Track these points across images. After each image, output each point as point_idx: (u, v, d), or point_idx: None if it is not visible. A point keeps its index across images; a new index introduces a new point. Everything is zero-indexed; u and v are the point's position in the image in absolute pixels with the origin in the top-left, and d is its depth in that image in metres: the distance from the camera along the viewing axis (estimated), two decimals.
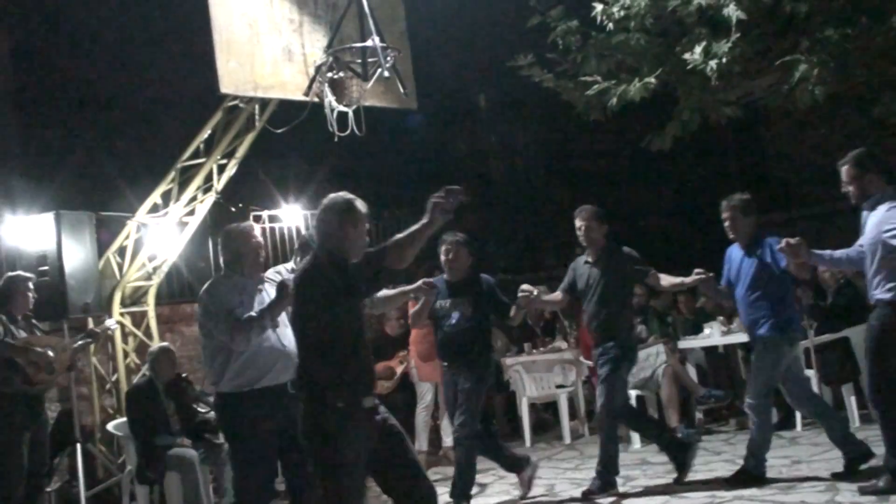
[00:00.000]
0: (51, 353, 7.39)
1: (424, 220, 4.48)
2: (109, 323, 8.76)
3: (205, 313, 5.63)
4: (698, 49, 8.63)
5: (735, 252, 6.95)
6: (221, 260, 5.79)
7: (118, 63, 14.36)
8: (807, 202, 17.26)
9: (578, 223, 7.29)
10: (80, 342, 8.03)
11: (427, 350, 9.56)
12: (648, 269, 7.25)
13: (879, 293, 5.85)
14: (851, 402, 8.49)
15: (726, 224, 6.92)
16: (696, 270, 6.93)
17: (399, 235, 4.48)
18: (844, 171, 6.12)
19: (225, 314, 5.41)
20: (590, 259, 7.31)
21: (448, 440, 9.62)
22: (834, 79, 8.42)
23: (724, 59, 8.49)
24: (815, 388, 8.59)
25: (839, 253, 6.27)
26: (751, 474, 6.67)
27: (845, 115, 15.50)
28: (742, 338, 9.28)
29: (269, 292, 5.63)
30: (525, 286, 6.87)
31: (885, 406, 5.95)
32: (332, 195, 4.77)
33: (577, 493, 7.14)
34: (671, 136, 9.88)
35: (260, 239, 5.84)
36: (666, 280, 7.28)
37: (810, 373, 8.58)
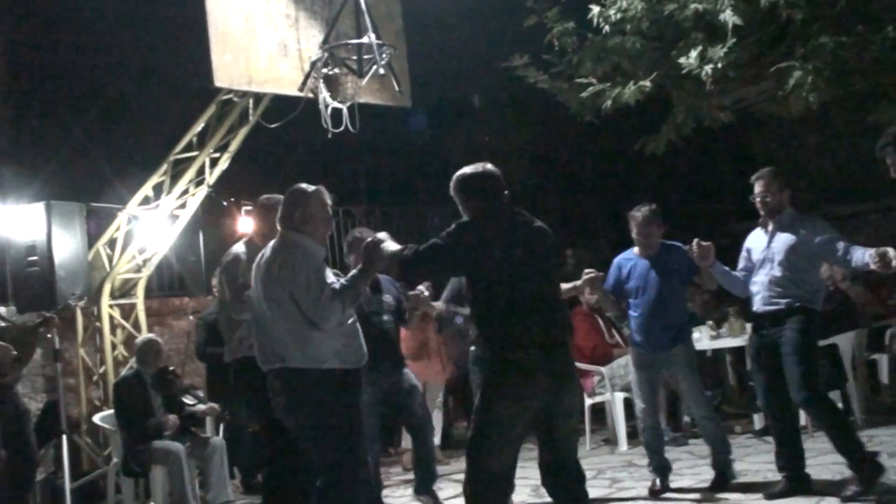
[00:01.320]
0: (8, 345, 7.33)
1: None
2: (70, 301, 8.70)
3: (289, 280, 4.76)
4: (694, 53, 8.63)
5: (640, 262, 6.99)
6: (283, 219, 4.99)
7: (111, 53, 14.31)
8: (797, 207, 17.32)
9: None
10: (36, 326, 7.96)
11: (417, 348, 9.55)
12: None
13: None
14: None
15: (638, 237, 7.00)
16: (587, 270, 6.87)
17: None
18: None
19: (318, 283, 4.72)
20: None
21: (435, 439, 9.61)
22: (828, 86, 8.42)
23: (719, 64, 8.49)
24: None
25: (733, 275, 6.51)
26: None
27: (838, 123, 15.56)
28: (731, 342, 9.32)
29: None
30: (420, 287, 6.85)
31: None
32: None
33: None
34: (665, 139, 9.89)
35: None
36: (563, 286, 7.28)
37: None
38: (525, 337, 4.38)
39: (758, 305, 6.35)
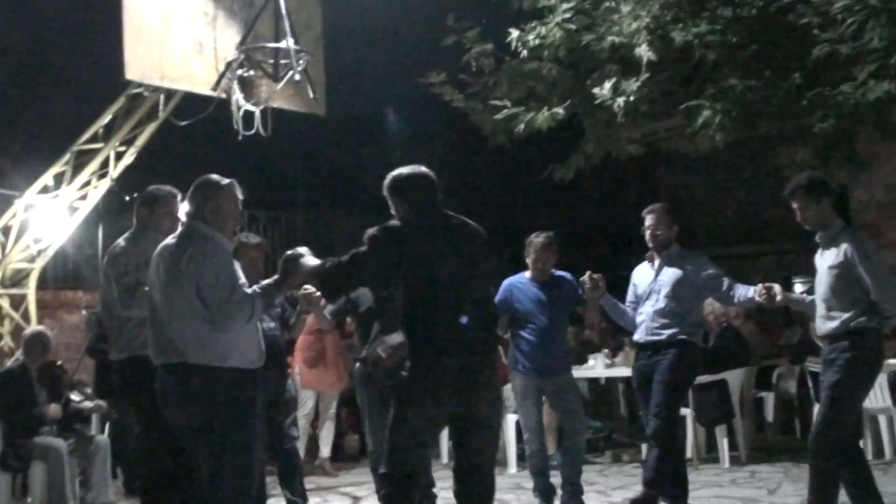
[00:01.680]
0: None
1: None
2: None
3: (198, 276, 4.49)
4: (608, 85, 8.76)
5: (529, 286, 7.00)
6: (193, 210, 4.73)
7: (17, 36, 13.91)
8: (693, 244, 17.70)
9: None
10: None
11: (314, 357, 9.48)
12: None
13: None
14: (724, 443, 8.67)
15: (536, 264, 6.97)
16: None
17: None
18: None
19: (230, 281, 4.49)
20: None
21: (325, 450, 9.55)
22: (735, 127, 8.61)
23: (631, 98, 8.63)
24: (690, 428, 8.79)
25: (621, 307, 6.67)
26: None
27: (741, 164, 15.94)
28: (625, 372, 9.44)
29: None
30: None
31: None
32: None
33: None
34: (574, 166, 10.00)
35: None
36: None
37: (686, 412, 8.76)
38: (443, 343, 4.38)
39: (640, 335, 6.49)
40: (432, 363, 4.39)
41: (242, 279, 4.57)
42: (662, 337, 6.31)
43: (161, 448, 5.45)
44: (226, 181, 4.78)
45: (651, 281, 6.47)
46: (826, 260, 5.46)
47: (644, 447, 9.01)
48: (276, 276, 4.66)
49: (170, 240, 4.73)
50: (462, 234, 4.60)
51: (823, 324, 5.47)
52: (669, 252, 6.46)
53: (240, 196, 4.82)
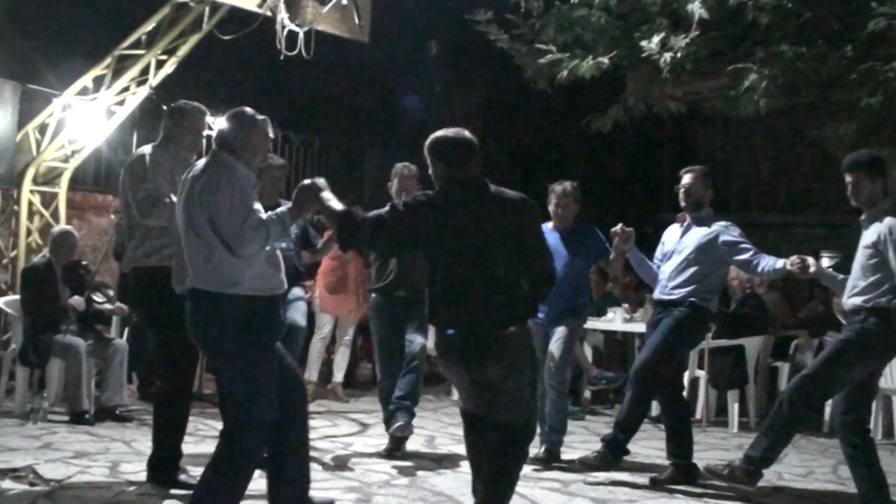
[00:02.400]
0: None
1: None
2: None
3: (211, 201, 4.50)
4: (656, 39, 8.66)
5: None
6: (221, 139, 4.70)
7: None
8: (727, 208, 17.61)
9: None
10: None
11: (335, 283, 9.54)
12: None
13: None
14: (734, 408, 8.70)
15: (557, 210, 6.99)
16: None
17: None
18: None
19: (244, 209, 4.47)
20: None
21: (339, 375, 9.64)
22: (780, 94, 8.52)
23: (678, 54, 8.54)
24: (702, 390, 8.82)
25: (647, 263, 6.71)
26: None
27: (782, 132, 15.79)
28: (642, 328, 9.46)
29: None
30: None
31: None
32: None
33: (457, 448, 7.19)
34: (612, 119, 9.93)
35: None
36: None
37: (700, 374, 8.79)
38: (447, 318, 4.45)
39: (656, 293, 6.57)
40: (439, 334, 4.50)
41: (258, 207, 4.56)
42: (674, 296, 6.38)
43: (171, 362, 5.51)
44: (260, 116, 4.76)
45: (676, 241, 6.51)
46: (864, 238, 5.45)
47: (654, 404, 9.10)
48: (290, 204, 4.65)
49: (196, 165, 4.75)
50: (496, 208, 4.45)
51: (849, 299, 5.49)
52: (699, 214, 6.47)
53: (271, 133, 4.82)
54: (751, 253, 6.24)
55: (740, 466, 5.86)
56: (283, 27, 8.98)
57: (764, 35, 8.96)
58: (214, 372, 4.85)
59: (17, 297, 8.20)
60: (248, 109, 4.78)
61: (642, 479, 6.47)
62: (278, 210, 4.63)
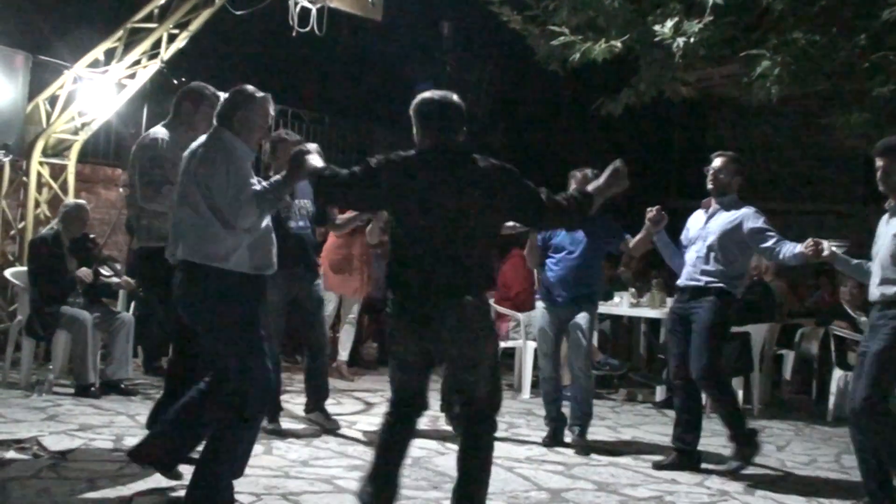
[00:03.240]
0: None
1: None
2: None
3: (207, 176, 4.55)
4: (669, 23, 8.61)
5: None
6: (221, 116, 4.74)
7: None
8: (738, 195, 17.51)
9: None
10: None
11: (340, 261, 9.53)
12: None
13: None
14: (738, 396, 8.67)
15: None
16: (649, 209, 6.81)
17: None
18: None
19: (239, 183, 4.52)
20: None
21: (344, 354, 9.66)
22: (792, 81, 8.48)
23: (692, 39, 8.48)
24: None
25: (673, 247, 6.71)
26: None
27: (793, 120, 15.73)
28: (649, 313, 9.49)
29: None
30: None
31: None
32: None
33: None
34: (623, 103, 9.89)
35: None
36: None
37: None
38: (406, 287, 4.35)
39: (682, 279, 6.52)
40: (396, 304, 4.38)
41: (253, 181, 4.60)
42: (701, 283, 6.34)
43: (180, 339, 5.52)
44: (260, 94, 4.79)
45: (701, 227, 6.49)
46: (892, 227, 5.40)
47: (659, 389, 9.14)
48: (283, 173, 4.66)
49: (196, 142, 4.79)
50: (475, 177, 4.30)
51: (877, 289, 5.38)
52: (725, 200, 6.45)
53: (271, 111, 4.84)
54: (774, 240, 6.21)
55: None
56: (296, 3, 8.97)
57: (777, 22, 8.92)
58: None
59: (24, 268, 8.22)
60: (249, 87, 4.81)
61: (644, 463, 6.49)
62: (271, 180, 4.68)
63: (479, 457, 4.50)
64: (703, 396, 6.66)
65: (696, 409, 6.54)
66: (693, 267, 6.41)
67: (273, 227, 4.83)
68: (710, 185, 6.50)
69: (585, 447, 6.78)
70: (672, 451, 6.49)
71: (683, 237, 6.69)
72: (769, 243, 6.22)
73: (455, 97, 4.50)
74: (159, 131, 5.64)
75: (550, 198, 4.38)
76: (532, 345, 9.07)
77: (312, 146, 4.67)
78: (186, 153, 4.76)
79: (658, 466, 6.37)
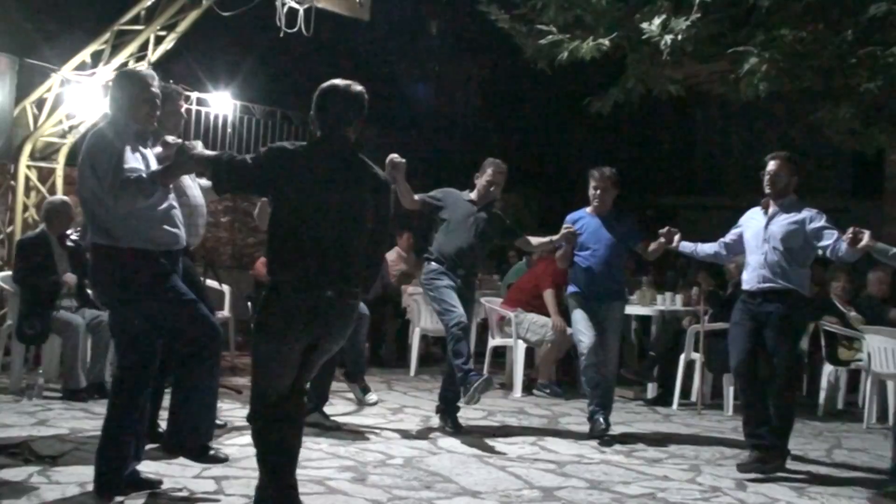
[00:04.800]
0: None
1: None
2: None
3: (91, 166, 4.75)
4: (657, 21, 8.64)
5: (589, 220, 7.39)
6: (110, 103, 5.04)
7: None
8: (725, 192, 17.59)
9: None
10: None
11: None
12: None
13: None
14: (730, 391, 8.71)
15: (596, 192, 7.36)
16: (565, 225, 7.30)
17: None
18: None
19: (119, 167, 4.66)
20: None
21: None
22: (780, 77, 8.52)
23: (679, 36, 8.52)
24: (697, 373, 8.84)
25: (698, 247, 6.99)
26: None
27: (780, 116, 15.76)
28: (640, 310, 9.51)
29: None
30: None
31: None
32: None
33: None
34: (612, 101, 9.91)
35: (158, 92, 5.03)
36: (535, 240, 7.57)
37: (696, 356, 8.81)
38: (296, 282, 4.27)
39: (751, 284, 6.46)
40: (276, 298, 4.30)
41: (133, 165, 4.72)
42: (774, 286, 6.32)
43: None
44: (135, 70, 5.19)
45: (762, 229, 6.48)
46: (776, 224, 5.49)
47: (650, 386, 9.16)
48: (165, 165, 4.82)
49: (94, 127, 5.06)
50: (355, 175, 4.38)
51: None
52: (784, 202, 6.46)
53: (152, 83, 4.96)
54: (834, 238, 6.23)
55: None
56: (283, 4, 8.95)
57: (765, 18, 8.95)
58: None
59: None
60: (128, 68, 5.04)
61: (636, 460, 6.50)
62: (153, 170, 4.83)
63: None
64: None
65: (764, 404, 6.45)
66: (763, 270, 6.37)
67: None
68: (767, 189, 6.48)
69: (608, 438, 7.06)
70: (750, 449, 6.39)
71: (733, 232, 6.78)
72: (830, 241, 6.24)
73: (359, 88, 4.53)
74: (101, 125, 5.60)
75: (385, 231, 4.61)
76: (523, 345, 9.12)
77: (193, 143, 4.93)
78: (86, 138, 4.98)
79: (742, 468, 6.25)
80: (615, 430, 7.29)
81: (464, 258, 7.13)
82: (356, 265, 4.39)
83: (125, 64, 9.71)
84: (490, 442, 6.89)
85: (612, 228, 7.28)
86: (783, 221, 6.39)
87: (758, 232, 6.49)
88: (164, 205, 4.91)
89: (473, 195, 7.32)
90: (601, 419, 7.16)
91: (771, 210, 6.48)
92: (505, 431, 7.34)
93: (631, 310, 9.55)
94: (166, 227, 4.91)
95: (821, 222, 6.32)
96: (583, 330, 7.26)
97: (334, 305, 4.30)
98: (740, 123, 17.88)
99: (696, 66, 9.96)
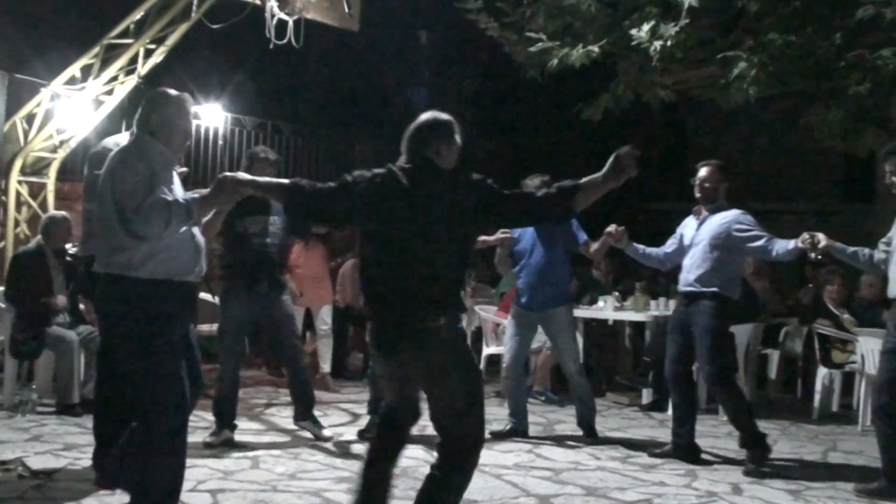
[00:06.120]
0: None
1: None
2: None
3: (116, 182, 4.35)
4: (646, 27, 8.66)
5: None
6: (139, 121, 4.60)
7: None
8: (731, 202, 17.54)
9: None
10: None
11: (305, 273, 9.48)
12: None
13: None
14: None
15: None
16: (502, 230, 7.18)
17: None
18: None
19: (146, 189, 4.31)
20: None
21: (325, 366, 9.62)
22: (769, 81, 8.54)
23: (668, 42, 8.54)
24: (694, 378, 8.83)
25: (645, 251, 6.95)
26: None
27: (770, 120, 15.79)
28: (633, 316, 9.51)
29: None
30: None
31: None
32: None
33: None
34: (602, 107, 9.93)
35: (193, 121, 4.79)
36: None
37: None
38: (382, 308, 4.18)
39: (681, 285, 6.69)
40: (375, 325, 4.25)
41: (165, 189, 4.38)
42: (697, 288, 6.52)
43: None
44: (176, 93, 4.64)
45: (694, 233, 6.67)
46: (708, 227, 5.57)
47: (645, 392, 9.15)
48: (206, 191, 4.46)
49: (118, 146, 4.62)
50: (455, 198, 4.17)
51: None
52: (713, 207, 6.63)
53: (190, 109, 4.66)
54: (764, 239, 6.39)
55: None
56: (273, 16, 8.96)
57: (753, 23, 8.98)
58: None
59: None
60: (167, 90, 4.67)
61: (632, 466, 6.49)
62: (188, 195, 4.48)
63: (440, 498, 4.34)
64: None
65: (690, 406, 6.77)
66: (689, 273, 6.58)
67: (236, 245, 4.62)
68: (697, 194, 6.66)
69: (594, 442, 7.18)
70: (670, 442, 6.79)
71: (674, 238, 6.90)
72: (759, 243, 6.40)
73: (435, 116, 4.43)
74: (117, 139, 5.54)
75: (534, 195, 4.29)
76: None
77: (242, 175, 4.48)
78: (109, 157, 4.56)
79: (652, 454, 6.70)
80: (611, 436, 7.30)
81: None
82: (447, 290, 4.19)
83: (115, 78, 9.71)
84: (486, 450, 6.87)
85: (550, 235, 7.24)
86: (711, 226, 6.56)
87: (690, 237, 6.69)
88: (183, 230, 4.52)
89: None
90: (511, 425, 7.35)
91: (702, 215, 6.67)
92: (500, 439, 7.33)
93: (625, 316, 9.57)
94: (186, 254, 4.53)
95: (748, 225, 6.47)
96: (507, 343, 7.44)
97: (419, 337, 4.12)
98: (731, 128, 17.91)
99: (685, 72, 10.00)
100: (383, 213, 4.15)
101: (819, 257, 6.10)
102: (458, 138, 4.40)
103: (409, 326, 4.11)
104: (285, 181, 4.34)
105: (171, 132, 4.57)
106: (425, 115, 4.45)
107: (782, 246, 6.27)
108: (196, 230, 4.57)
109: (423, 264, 4.11)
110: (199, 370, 4.74)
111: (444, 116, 4.43)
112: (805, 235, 6.02)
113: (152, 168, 4.39)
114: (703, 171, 6.70)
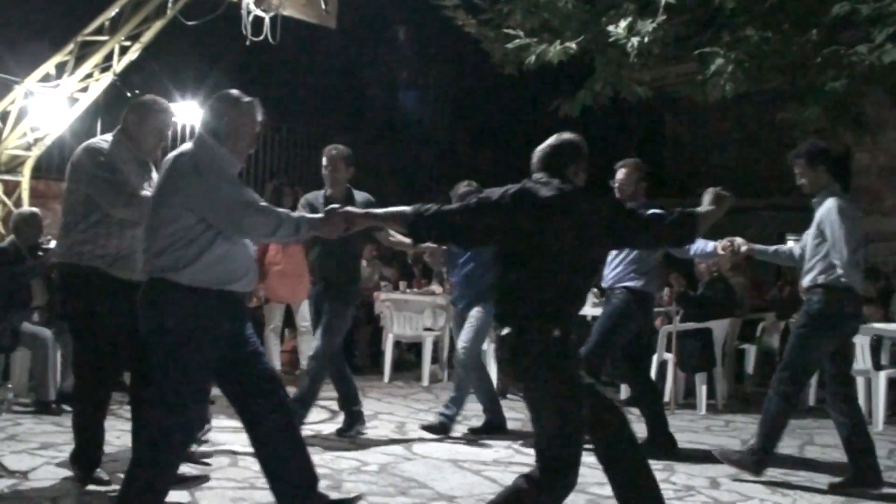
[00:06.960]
0: None
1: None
2: None
3: (205, 187, 4.24)
4: (623, 24, 8.66)
5: None
6: (206, 124, 4.45)
7: None
8: (694, 192, 17.62)
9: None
10: None
11: (282, 270, 9.45)
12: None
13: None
14: (702, 390, 8.75)
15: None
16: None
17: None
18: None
19: (240, 191, 4.30)
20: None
21: (304, 362, 9.60)
22: (746, 78, 8.57)
23: (646, 39, 8.54)
24: (670, 373, 8.88)
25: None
26: None
27: (747, 116, 15.86)
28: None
29: None
30: None
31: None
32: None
33: (426, 434, 7.21)
34: (580, 104, 9.92)
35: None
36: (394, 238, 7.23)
37: (668, 357, 8.85)
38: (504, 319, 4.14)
39: (603, 281, 7.00)
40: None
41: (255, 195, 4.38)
42: (611, 283, 6.88)
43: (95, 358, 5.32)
44: (246, 98, 4.50)
45: None
46: None
47: (623, 388, 9.19)
48: (321, 216, 4.46)
49: (179, 150, 4.46)
50: (590, 219, 4.15)
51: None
52: (632, 206, 6.63)
53: (259, 116, 4.54)
54: None
55: (748, 455, 6.13)
56: (249, 12, 8.93)
57: (730, 19, 9.01)
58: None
59: None
60: (234, 92, 4.54)
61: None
62: (308, 215, 4.53)
63: None
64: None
65: (658, 401, 7.28)
66: (606, 269, 6.85)
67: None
68: (616, 195, 6.77)
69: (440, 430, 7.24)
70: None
71: None
72: None
73: (571, 138, 4.53)
74: (103, 140, 5.40)
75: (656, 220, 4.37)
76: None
77: (351, 209, 4.53)
78: (167, 163, 4.42)
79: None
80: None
81: (322, 266, 7.10)
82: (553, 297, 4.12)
83: (90, 75, 9.65)
84: (465, 446, 6.89)
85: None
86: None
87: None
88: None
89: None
90: (448, 416, 7.34)
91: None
92: (478, 435, 7.33)
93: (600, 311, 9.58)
94: (241, 264, 4.41)
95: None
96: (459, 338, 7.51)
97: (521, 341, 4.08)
98: (709, 125, 17.97)
99: (663, 69, 10.01)
100: (523, 231, 4.09)
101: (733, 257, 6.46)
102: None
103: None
104: (406, 209, 4.22)
105: (238, 139, 4.45)
106: (563, 136, 4.54)
107: (700, 247, 6.45)
108: (249, 241, 4.48)
109: (560, 284, 4.08)
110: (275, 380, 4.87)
111: (578, 137, 4.53)
112: (725, 242, 6.26)
113: (229, 169, 4.36)
114: (619, 173, 6.94)
